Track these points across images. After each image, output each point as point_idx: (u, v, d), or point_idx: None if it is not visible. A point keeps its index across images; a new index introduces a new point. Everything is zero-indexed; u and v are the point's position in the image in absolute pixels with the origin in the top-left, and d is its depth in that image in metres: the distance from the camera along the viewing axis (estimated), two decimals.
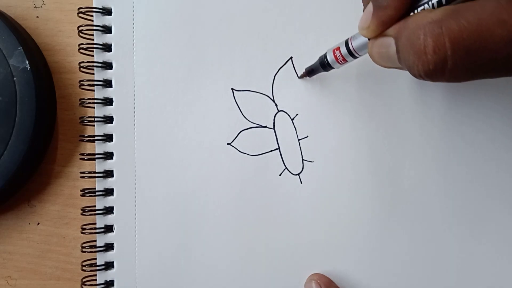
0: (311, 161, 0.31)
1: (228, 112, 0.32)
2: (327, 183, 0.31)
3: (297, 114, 0.32)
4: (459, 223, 0.31)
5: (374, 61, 0.23)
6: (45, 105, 0.32)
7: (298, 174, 0.32)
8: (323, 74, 0.30)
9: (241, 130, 0.32)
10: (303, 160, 0.31)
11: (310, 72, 0.30)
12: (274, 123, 0.32)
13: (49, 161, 0.34)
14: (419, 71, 0.20)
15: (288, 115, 0.32)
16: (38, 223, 0.34)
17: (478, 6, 0.18)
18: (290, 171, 0.32)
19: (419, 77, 0.20)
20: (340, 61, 0.27)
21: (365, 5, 0.25)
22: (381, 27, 0.22)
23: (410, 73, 0.20)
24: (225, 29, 0.32)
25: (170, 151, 0.32)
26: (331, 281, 0.30)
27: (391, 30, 0.21)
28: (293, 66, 0.31)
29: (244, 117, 0.32)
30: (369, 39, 0.23)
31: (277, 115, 0.32)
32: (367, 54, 0.24)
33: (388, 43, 0.22)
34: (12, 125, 0.31)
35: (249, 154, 0.32)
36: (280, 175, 0.32)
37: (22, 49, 0.31)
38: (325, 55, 0.28)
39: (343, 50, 0.26)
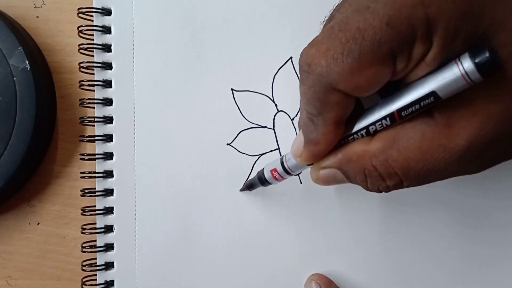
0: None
1: (228, 112, 0.32)
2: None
3: (297, 114, 0.32)
4: (460, 223, 0.31)
5: (316, 183, 0.25)
6: (45, 105, 0.32)
7: (298, 174, 0.32)
8: None
9: (241, 130, 0.32)
10: None
11: (249, 186, 0.30)
12: (274, 123, 0.32)
13: (49, 161, 0.34)
14: (379, 191, 0.22)
15: (288, 115, 0.32)
16: (38, 223, 0.34)
17: (416, 133, 0.20)
18: None
19: (379, 193, 0.22)
20: (278, 178, 0.27)
21: (299, 127, 0.25)
22: (313, 159, 0.23)
23: (368, 190, 0.22)
24: (225, 29, 0.32)
25: (170, 151, 0.32)
26: (331, 281, 0.30)
27: (331, 162, 0.23)
28: (293, 66, 0.31)
29: (244, 117, 0.32)
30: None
31: (277, 115, 0.32)
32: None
33: (334, 173, 0.23)
34: (12, 125, 0.31)
35: (249, 154, 0.32)
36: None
37: (22, 49, 0.31)
38: (262, 172, 0.28)
39: (280, 169, 0.27)
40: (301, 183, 0.31)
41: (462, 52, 0.18)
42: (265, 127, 0.32)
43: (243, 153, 0.32)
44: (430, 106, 0.19)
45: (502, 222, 0.31)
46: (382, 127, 0.21)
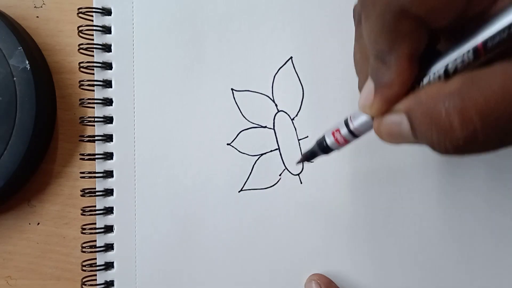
0: (311, 161, 0.31)
1: (228, 112, 0.32)
2: (327, 183, 0.31)
3: (297, 114, 0.32)
4: (459, 223, 0.31)
5: (382, 139, 0.21)
6: (45, 105, 0.32)
7: (298, 174, 0.32)
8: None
9: (241, 130, 0.32)
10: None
11: (308, 157, 0.26)
12: (274, 123, 0.32)
13: (49, 161, 0.34)
14: (446, 149, 0.18)
15: (288, 115, 0.32)
16: (38, 223, 0.34)
17: (498, 73, 0.17)
18: (290, 171, 0.32)
19: (445, 154, 0.18)
20: (342, 143, 0.24)
21: (361, 78, 0.23)
22: (386, 105, 0.20)
23: (433, 149, 0.18)
24: (225, 29, 0.32)
25: (170, 151, 0.32)
26: (331, 281, 0.30)
27: (401, 106, 0.19)
28: (293, 66, 0.31)
29: (244, 117, 0.32)
30: (373, 118, 0.21)
31: (277, 115, 0.32)
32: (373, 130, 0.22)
33: (399, 120, 0.19)
34: (12, 125, 0.31)
35: (249, 154, 0.32)
36: (280, 175, 0.32)
37: (22, 49, 0.31)
38: (323, 138, 0.25)
39: (344, 131, 0.23)
40: (301, 183, 0.31)
41: None
42: (265, 127, 0.32)
43: (243, 153, 0.32)
44: None
45: (502, 224, 0.31)
46: (463, 65, 0.18)
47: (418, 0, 0.17)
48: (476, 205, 0.31)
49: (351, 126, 0.23)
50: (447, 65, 0.18)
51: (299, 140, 0.31)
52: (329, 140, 0.24)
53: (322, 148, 0.25)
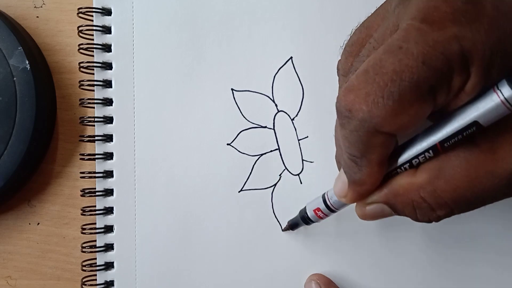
0: (311, 161, 0.31)
1: (228, 112, 0.32)
2: (327, 183, 0.31)
3: (297, 114, 0.32)
4: (459, 223, 0.31)
5: (363, 219, 0.24)
6: (45, 105, 0.32)
7: (298, 174, 0.32)
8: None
9: (241, 130, 0.32)
10: (303, 160, 0.31)
11: (292, 226, 0.30)
12: (274, 123, 0.32)
13: (49, 161, 0.34)
14: (430, 221, 0.22)
15: (288, 115, 0.32)
16: (38, 223, 0.34)
17: (460, 162, 0.20)
18: (290, 171, 0.32)
19: (429, 222, 0.22)
20: (322, 216, 0.27)
21: (338, 152, 0.25)
22: (359, 198, 0.23)
23: (418, 221, 0.22)
24: (225, 29, 0.32)
25: (170, 151, 0.32)
26: (331, 281, 0.30)
27: (377, 198, 0.22)
28: (293, 66, 0.31)
29: (244, 117, 0.32)
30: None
31: (277, 115, 0.32)
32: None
33: (381, 208, 0.23)
34: (12, 125, 0.31)
35: (249, 155, 0.32)
36: (280, 175, 0.32)
37: (22, 49, 0.31)
38: (305, 211, 0.28)
39: (323, 207, 0.27)
40: (301, 183, 0.31)
41: (500, 78, 0.18)
42: (265, 127, 0.32)
43: (243, 153, 0.32)
44: (473, 134, 0.19)
45: (501, 224, 0.31)
46: (425, 159, 0.21)
47: (389, 120, 0.19)
48: None
49: (329, 204, 0.26)
50: (411, 161, 0.21)
51: (299, 140, 0.31)
52: (310, 214, 0.28)
53: (304, 220, 0.29)
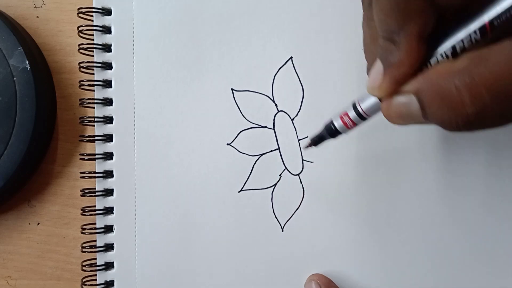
0: (311, 161, 0.31)
1: (228, 112, 0.32)
2: (327, 183, 0.31)
3: (297, 114, 0.31)
4: (459, 223, 0.31)
5: (391, 121, 0.21)
6: (45, 105, 0.32)
7: (298, 174, 0.32)
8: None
9: (241, 130, 0.32)
10: (303, 160, 0.31)
11: (316, 141, 0.27)
12: (274, 123, 0.32)
13: (49, 161, 0.34)
14: (457, 125, 0.18)
15: (288, 115, 0.32)
16: (38, 223, 0.34)
17: (505, 48, 0.17)
18: (290, 171, 0.32)
19: (455, 130, 0.19)
20: (350, 125, 0.24)
21: (369, 61, 0.23)
22: (395, 86, 0.20)
23: (443, 127, 0.19)
24: (225, 29, 0.32)
25: (170, 151, 0.32)
26: (331, 281, 0.30)
27: (409, 87, 0.20)
28: (293, 66, 0.31)
29: (244, 117, 0.32)
30: (381, 100, 0.22)
31: (277, 115, 0.32)
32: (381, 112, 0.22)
33: (409, 101, 0.20)
34: (12, 125, 0.31)
35: (249, 154, 0.32)
36: (280, 175, 0.32)
37: (22, 49, 0.31)
38: (331, 122, 0.25)
39: (352, 114, 0.24)
40: (301, 183, 0.31)
41: None
42: (265, 127, 0.32)
43: (243, 153, 0.32)
44: None
45: (500, 221, 0.31)
46: (470, 44, 0.18)
47: None
48: (477, 204, 0.31)
49: (359, 109, 0.23)
50: (454, 45, 0.19)
51: (299, 140, 0.31)
52: (337, 124, 0.25)
53: (330, 132, 0.25)
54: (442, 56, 0.19)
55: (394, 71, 0.20)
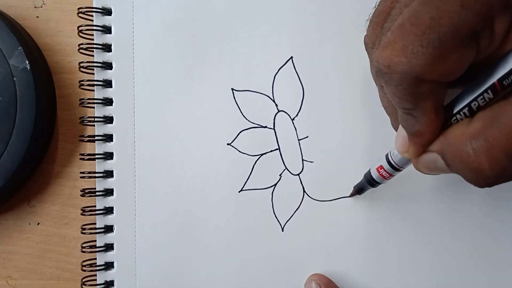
0: (311, 161, 0.31)
1: (228, 112, 0.32)
2: (327, 183, 0.31)
3: (297, 114, 0.31)
4: (459, 223, 0.31)
5: (422, 172, 0.23)
6: (45, 105, 0.32)
7: (298, 174, 0.32)
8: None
9: (241, 130, 0.32)
10: (303, 160, 0.31)
11: (359, 190, 0.30)
12: (274, 123, 0.32)
13: (49, 161, 0.34)
14: (480, 184, 0.19)
15: (288, 115, 0.32)
16: (38, 223, 0.34)
17: None
18: (290, 171, 0.32)
19: (481, 187, 0.20)
20: (385, 176, 0.27)
21: (392, 119, 0.25)
22: (421, 150, 0.22)
23: (469, 182, 0.20)
24: (225, 29, 0.32)
25: (170, 151, 0.32)
26: (331, 281, 0.30)
27: (434, 147, 0.21)
28: (293, 66, 0.31)
29: (244, 117, 0.32)
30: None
31: (277, 115, 0.32)
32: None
33: (434, 158, 0.21)
34: (12, 125, 0.31)
35: (249, 154, 0.32)
36: (280, 175, 0.32)
37: (22, 49, 0.31)
38: (369, 174, 0.28)
39: (387, 167, 0.26)
40: (301, 183, 0.31)
41: None
42: (266, 127, 0.32)
43: (244, 153, 0.32)
44: None
45: (503, 222, 0.31)
46: (484, 102, 0.19)
47: (430, 69, 0.18)
48: (478, 204, 0.31)
49: (393, 162, 0.26)
50: (470, 105, 0.20)
51: (299, 140, 0.31)
52: (375, 175, 0.27)
53: (370, 183, 0.28)
54: (461, 115, 0.20)
55: (417, 139, 0.21)
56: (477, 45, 0.18)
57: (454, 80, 0.20)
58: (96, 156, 0.32)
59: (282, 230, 0.31)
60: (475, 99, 0.20)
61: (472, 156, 0.19)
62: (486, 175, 0.19)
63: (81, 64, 0.31)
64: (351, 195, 0.31)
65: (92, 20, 0.32)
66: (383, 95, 0.25)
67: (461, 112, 0.20)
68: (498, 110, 0.19)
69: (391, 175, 0.27)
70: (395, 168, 0.26)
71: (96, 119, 0.32)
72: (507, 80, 0.19)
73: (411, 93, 0.19)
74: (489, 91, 0.19)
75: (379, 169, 0.27)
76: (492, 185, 0.19)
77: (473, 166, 0.19)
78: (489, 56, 0.19)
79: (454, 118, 0.21)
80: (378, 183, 0.28)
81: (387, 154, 0.26)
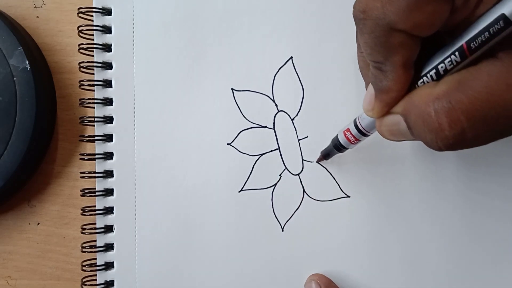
0: (311, 161, 0.31)
1: (228, 112, 0.32)
2: (327, 183, 0.31)
3: (297, 114, 0.31)
4: (460, 223, 0.31)
5: (385, 137, 0.23)
6: (45, 105, 0.32)
7: (298, 174, 0.32)
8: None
9: (241, 130, 0.32)
10: (303, 160, 0.31)
11: (325, 155, 0.30)
12: (274, 123, 0.32)
13: (49, 161, 0.34)
14: (439, 147, 0.19)
15: (288, 115, 0.32)
16: (38, 223, 0.34)
17: (482, 73, 0.18)
18: (290, 171, 0.32)
19: (438, 150, 0.20)
20: (353, 141, 0.27)
21: (366, 83, 0.25)
22: (385, 109, 0.22)
23: (428, 147, 0.20)
24: (225, 29, 0.32)
25: (170, 151, 0.32)
26: (331, 281, 0.30)
27: (397, 108, 0.21)
28: (293, 66, 0.31)
29: (244, 117, 0.32)
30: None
31: (277, 115, 0.32)
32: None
33: (397, 120, 0.22)
34: (12, 125, 0.31)
35: (249, 154, 0.32)
36: (280, 175, 0.32)
37: (22, 49, 0.31)
38: (337, 138, 0.28)
39: (354, 131, 0.26)
40: (301, 183, 0.31)
41: None
42: (266, 127, 0.32)
43: (244, 153, 0.32)
44: (500, 34, 0.18)
45: (501, 224, 0.31)
46: (451, 65, 0.20)
47: (404, 17, 0.18)
48: (478, 204, 0.31)
49: (360, 126, 0.25)
50: (437, 67, 0.20)
51: (299, 140, 0.31)
52: (342, 139, 0.27)
53: (336, 147, 0.28)
54: (427, 77, 0.20)
55: (384, 96, 0.22)
56: (452, 0, 0.18)
57: (427, 40, 0.20)
58: (96, 156, 0.32)
59: (282, 230, 0.31)
60: (442, 61, 0.20)
61: (433, 116, 0.19)
62: (445, 136, 0.19)
63: (81, 64, 0.31)
64: (318, 160, 0.31)
65: (92, 20, 0.32)
66: (359, 55, 0.25)
67: (428, 75, 0.20)
68: (466, 75, 0.19)
69: (357, 140, 0.26)
70: (362, 132, 0.26)
71: (96, 119, 0.32)
72: (474, 43, 0.19)
73: (382, 42, 0.19)
74: (456, 53, 0.19)
75: (345, 132, 0.27)
76: (450, 149, 0.19)
77: (433, 126, 0.19)
78: (462, 21, 0.19)
79: (421, 81, 0.21)
80: (345, 148, 0.28)
81: (355, 118, 0.26)
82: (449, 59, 0.20)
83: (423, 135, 0.20)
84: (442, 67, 0.20)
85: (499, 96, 0.18)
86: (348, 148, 0.28)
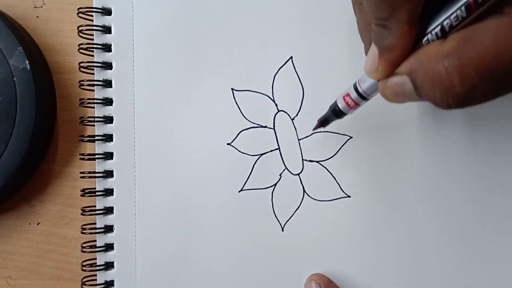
0: (311, 161, 0.31)
1: (228, 112, 0.32)
2: (327, 183, 0.31)
3: (297, 114, 0.31)
4: (460, 223, 0.31)
5: (387, 100, 0.23)
6: (45, 105, 0.32)
7: (298, 174, 0.32)
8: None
9: (241, 130, 0.32)
10: (303, 160, 0.31)
11: (323, 122, 0.29)
12: (274, 123, 0.32)
13: (49, 161, 0.34)
14: (448, 104, 0.19)
15: (288, 115, 0.32)
16: (38, 223, 0.34)
17: (491, 29, 0.18)
18: (290, 171, 0.32)
19: (447, 108, 0.20)
20: (352, 106, 0.26)
21: (366, 46, 0.24)
22: (390, 68, 0.22)
23: (436, 105, 0.20)
24: (225, 29, 0.32)
25: (170, 151, 0.32)
26: (331, 281, 0.30)
27: (403, 68, 0.21)
28: (293, 66, 0.31)
29: (244, 117, 0.32)
30: (378, 80, 0.23)
31: (277, 115, 0.32)
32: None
33: (402, 81, 0.21)
34: (12, 125, 0.31)
35: (249, 154, 0.32)
36: (280, 175, 0.32)
37: (22, 49, 0.31)
38: (335, 103, 0.27)
39: (353, 94, 0.25)
40: (301, 183, 0.31)
41: None
42: (266, 127, 0.32)
43: (244, 153, 0.32)
44: None
45: (501, 219, 0.31)
46: (457, 21, 0.19)
47: None
48: (478, 204, 0.31)
49: (360, 89, 0.24)
50: (443, 24, 0.20)
51: (299, 140, 0.31)
52: (341, 105, 0.26)
53: (334, 112, 0.27)
54: (432, 35, 0.20)
55: (388, 54, 0.21)
56: None
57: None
58: (96, 156, 0.32)
59: (282, 230, 0.31)
60: (448, 17, 0.19)
61: (444, 74, 0.19)
62: (456, 93, 0.19)
63: (81, 64, 0.31)
64: (315, 128, 0.30)
65: (92, 20, 0.32)
66: (360, 16, 0.25)
67: (433, 32, 0.20)
68: (473, 30, 0.19)
69: (357, 104, 0.26)
70: (362, 96, 0.25)
71: (96, 119, 0.32)
72: None
73: None
74: (463, 8, 0.19)
75: (345, 97, 0.26)
76: (460, 106, 0.19)
77: (444, 84, 0.19)
78: None
79: (426, 39, 0.20)
80: (344, 114, 0.27)
81: (355, 82, 0.25)
82: (454, 14, 0.19)
83: (432, 94, 0.20)
84: (447, 23, 0.19)
85: (508, 50, 0.18)
86: (346, 114, 0.27)
